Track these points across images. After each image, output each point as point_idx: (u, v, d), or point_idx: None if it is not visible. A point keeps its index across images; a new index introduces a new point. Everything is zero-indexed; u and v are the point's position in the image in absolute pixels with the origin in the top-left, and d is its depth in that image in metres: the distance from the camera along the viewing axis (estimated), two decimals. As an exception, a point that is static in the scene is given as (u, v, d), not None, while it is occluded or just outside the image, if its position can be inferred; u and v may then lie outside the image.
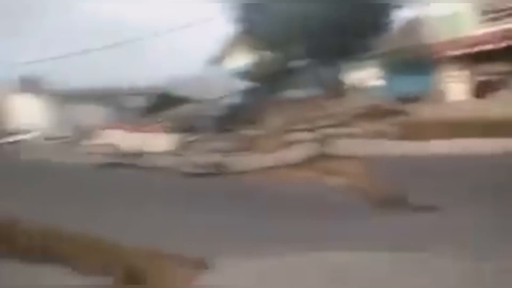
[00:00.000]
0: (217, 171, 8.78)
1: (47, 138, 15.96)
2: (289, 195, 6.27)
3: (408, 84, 12.97)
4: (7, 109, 21.01)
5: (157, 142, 12.45)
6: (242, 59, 17.63)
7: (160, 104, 15.91)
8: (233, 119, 13.75)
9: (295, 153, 8.65)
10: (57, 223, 5.59)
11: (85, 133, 15.20)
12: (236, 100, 15.60)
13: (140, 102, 17.73)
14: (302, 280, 3.43)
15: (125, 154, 11.64)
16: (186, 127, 13.79)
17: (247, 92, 15.79)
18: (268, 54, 16.02)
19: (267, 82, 15.37)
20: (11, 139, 16.44)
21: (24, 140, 16.20)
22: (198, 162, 9.60)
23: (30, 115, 19.09)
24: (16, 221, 6.02)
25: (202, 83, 15.40)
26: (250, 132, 11.69)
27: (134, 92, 19.47)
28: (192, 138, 12.76)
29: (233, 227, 4.86)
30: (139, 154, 11.79)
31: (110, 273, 4.24)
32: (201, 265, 3.87)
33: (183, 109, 14.98)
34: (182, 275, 3.86)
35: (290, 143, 9.40)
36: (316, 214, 5.14)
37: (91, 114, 17.90)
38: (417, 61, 13.44)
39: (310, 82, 14.63)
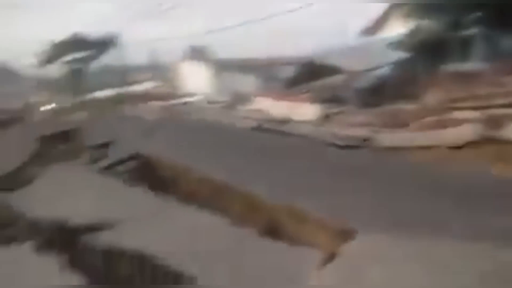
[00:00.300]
0: (362, 145, 8.51)
1: (209, 102, 18.06)
2: (447, 179, 5.66)
3: None
4: (179, 75, 24.40)
5: (302, 111, 12.73)
6: (397, 29, 16.24)
7: (309, 74, 16.09)
8: (383, 92, 12.96)
9: (457, 134, 7.65)
10: (212, 174, 6.38)
11: (240, 99, 16.60)
12: (388, 72, 14.62)
13: (290, 72, 18.26)
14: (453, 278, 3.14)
15: (273, 121, 12.33)
16: (332, 98, 13.67)
17: (401, 64, 14.59)
18: (427, 22, 14.31)
19: (425, 53, 13.86)
20: (182, 101, 19.18)
21: (191, 102, 18.67)
22: (341, 134, 9.48)
23: (197, 80, 21.77)
24: (182, 169, 7.11)
25: (353, 54, 14.90)
26: (403, 107, 10.87)
27: (285, 63, 20.13)
28: (337, 109, 12.60)
29: (379, 205, 4.69)
30: (285, 122, 12.33)
31: (255, 224, 4.66)
32: (347, 234, 3.84)
33: (331, 80, 14.83)
34: (325, 240, 3.94)
35: (450, 122, 8.37)
36: (476, 205, 4.54)
37: (246, 82, 19.37)
38: None
39: (481, 53, 12.61)
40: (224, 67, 21.74)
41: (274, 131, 10.62)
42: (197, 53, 24.99)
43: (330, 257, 3.50)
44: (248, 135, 10.31)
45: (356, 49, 15.51)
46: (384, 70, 14.59)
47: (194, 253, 3.92)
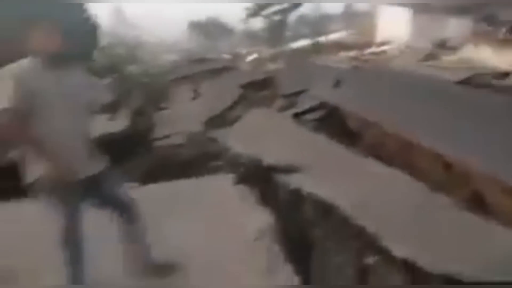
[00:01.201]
0: None
1: (406, 50, 16.43)
2: None
3: None
4: (374, 21, 22.84)
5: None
6: None
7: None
8: None
9: None
10: (401, 130, 5.83)
11: (445, 46, 14.48)
12: None
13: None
14: None
15: (488, 73, 10.29)
16: None
17: None
18: None
19: None
20: (376, 50, 18.10)
21: (387, 51, 17.40)
22: None
23: (395, 26, 19.91)
24: (369, 122, 6.79)
25: None
26: None
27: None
28: None
29: None
30: (505, 75, 10.12)
31: (456, 193, 4.08)
32: None
33: None
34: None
35: None
36: None
37: (455, 26, 16.58)
38: None
39: None
40: (426, 8, 19.04)
41: (488, 86, 8.86)
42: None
43: None
44: (452, 90, 8.91)
45: None
46: None
47: (382, 212, 3.70)
